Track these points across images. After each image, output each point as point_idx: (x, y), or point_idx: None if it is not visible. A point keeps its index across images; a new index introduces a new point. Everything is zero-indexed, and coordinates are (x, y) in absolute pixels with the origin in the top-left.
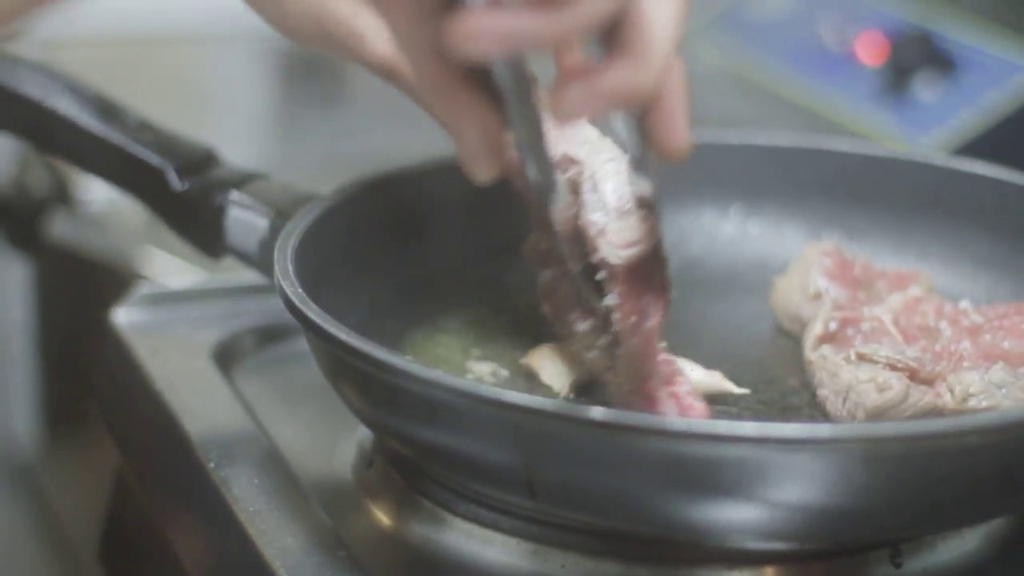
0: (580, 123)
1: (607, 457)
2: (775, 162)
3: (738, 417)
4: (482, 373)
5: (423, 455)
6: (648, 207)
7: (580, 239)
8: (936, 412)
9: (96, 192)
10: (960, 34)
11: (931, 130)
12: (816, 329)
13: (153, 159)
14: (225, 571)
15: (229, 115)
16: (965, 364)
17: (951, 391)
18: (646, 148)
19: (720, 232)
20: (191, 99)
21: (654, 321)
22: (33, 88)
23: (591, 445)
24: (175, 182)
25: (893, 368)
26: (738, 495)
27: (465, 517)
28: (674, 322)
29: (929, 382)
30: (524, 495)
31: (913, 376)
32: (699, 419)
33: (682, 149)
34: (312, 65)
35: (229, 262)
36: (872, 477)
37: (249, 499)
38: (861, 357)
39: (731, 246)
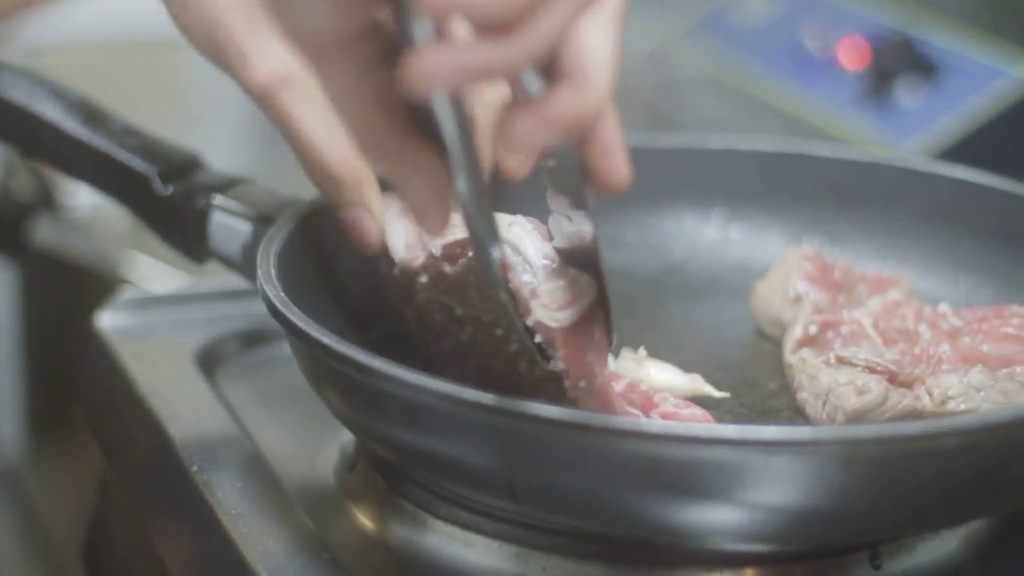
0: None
1: (588, 460)
2: (757, 167)
3: (718, 420)
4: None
5: (405, 458)
6: (588, 250)
7: (515, 300)
8: (915, 415)
9: (81, 197)
10: (942, 39)
11: (913, 135)
12: (796, 332)
13: (137, 164)
14: (208, 574)
15: (213, 120)
16: (944, 367)
17: (930, 394)
18: (585, 185)
19: (702, 236)
20: (175, 104)
21: (602, 378)
22: (17, 93)
23: (572, 448)
24: (159, 187)
25: (872, 371)
26: (718, 497)
27: (447, 520)
28: (655, 325)
29: (908, 385)
30: (506, 498)
31: (892, 379)
32: (678, 422)
33: (622, 182)
34: None
35: (213, 266)
36: (851, 479)
37: (232, 502)
38: (841, 360)
39: (713, 250)
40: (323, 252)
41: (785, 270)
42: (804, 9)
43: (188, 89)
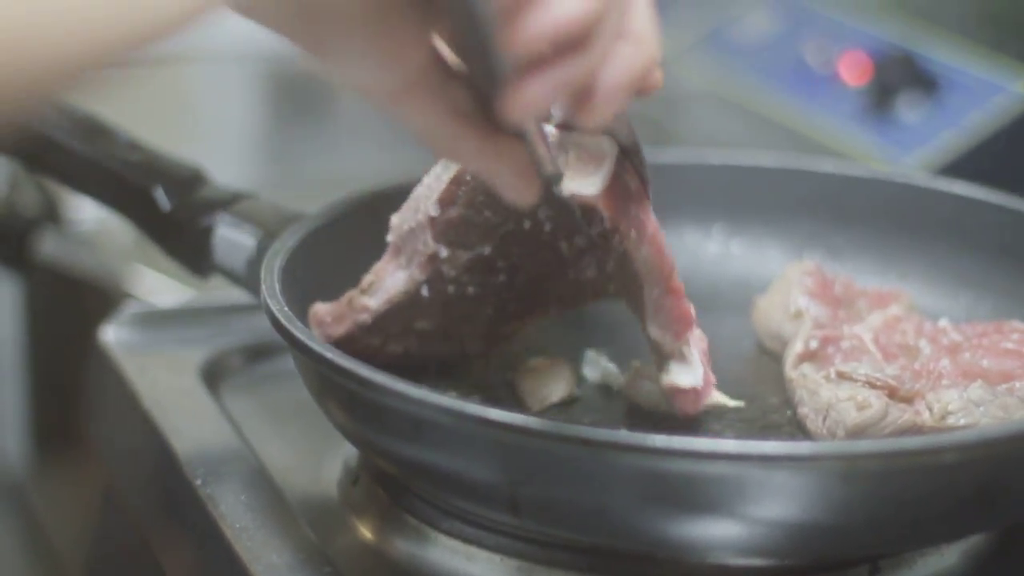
0: None
1: (589, 474)
2: (758, 182)
3: (719, 434)
4: (467, 389)
5: (408, 472)
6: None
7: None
8: (915, 430)
9: (86, 211)
10: (943, 55)
11: (914, 150)
12: (796, 347)
13: (141, 179)
14: None
15: (218, 135)
16: (944, 382)
17: (930, 409)
18: None
19: (703, 251)
20: (180, 119)
21: (651, 225)
22: None
23: (573, 462)
24: (163, 202)
25: (872, 386)
26: (719, 512)
27: (450, 534)
28: None
29: (908, 400)
30: (507, 512)
31: (892, 394)
32: (680, 437)
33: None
34: (301, 85)
35: (217, 281)
36: (851, 494)
37: (236, 516)
38: (841, 375)
39: (714, 265)
40: (326, 267)
41: (786, 285)
42: (806, 25)
43: (192, 104)
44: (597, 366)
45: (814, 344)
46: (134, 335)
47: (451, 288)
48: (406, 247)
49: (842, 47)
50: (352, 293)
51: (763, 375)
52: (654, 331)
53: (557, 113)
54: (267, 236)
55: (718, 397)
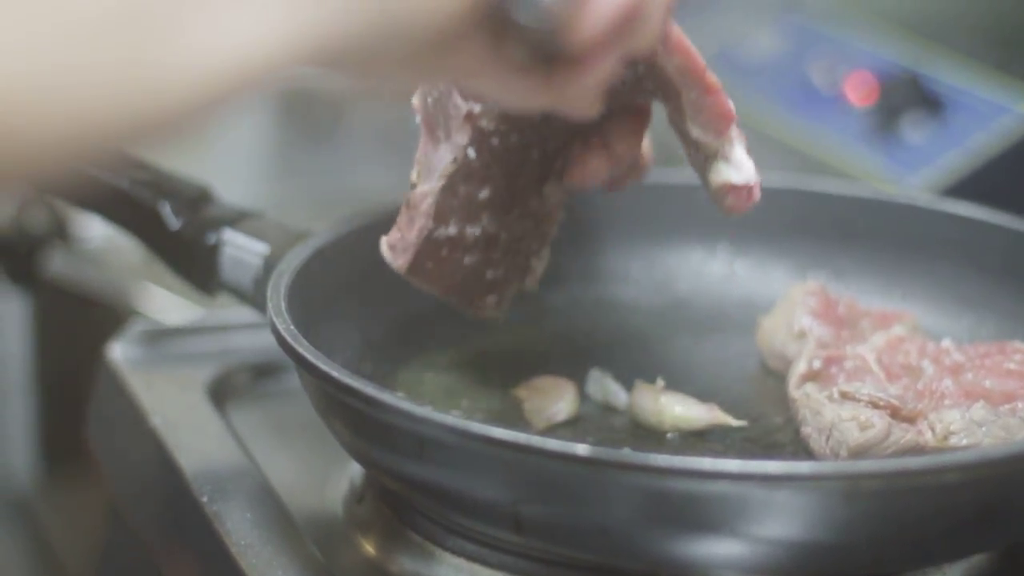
0: None
1: (592, 493)
2: (762, 202)
3: (723, 454)
4: (471, 408)
5: (412, 490)
6: None
7: None
8: (918, 450)
9: (94, 229)
10: (949, 76)
11: (919, 171)
12: (800, 367)
13: (148, 197)
14: None
15: (226, 153)
16: (946, 402)
17: (932, 429)
18: None
19: (708, 271)
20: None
21: (673, 31)
22: None
23: (576, 480)
24: (170, 220)
25: (875, 406)
26: (721, 531)
27: (454, 552)
28: (661, 359)
29: (911, 420)
30: (510, 530)
31: (895, 414)
32: (683, 456)
33: None
34: (308, 103)
35: (225, 299)
36: (853, 514)
37: (241, 533)
38: (844, 395)
39: (718, 285)
40: (333, 285)
41: (790, 305)
42: (812, 45)
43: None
44: (601, 385)
45: (817, 364)
46: (141, 352)
47: (495, 141)
48: (438, 119)
49: (848, 67)
50: (406, 193)
51: (767, 395)
52: (696, 132)
53: None
54: (274, 254)
55: (722, 417)
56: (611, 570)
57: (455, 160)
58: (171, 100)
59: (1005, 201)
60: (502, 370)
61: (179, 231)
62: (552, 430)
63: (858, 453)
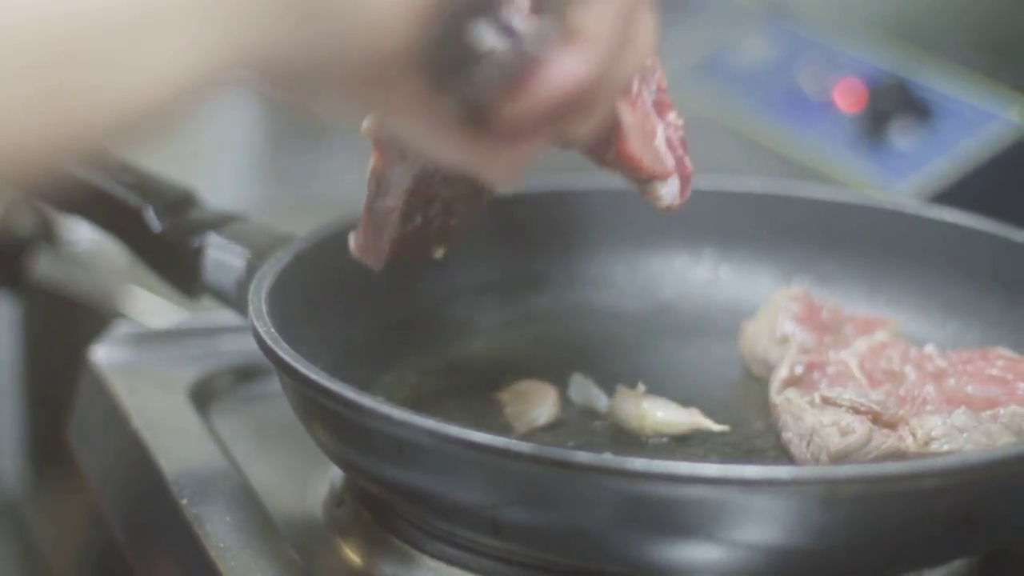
0: None
1: (571, 497)
2: (748, 208)
3: (703, 458)
4: (452, 412)
5: (392, 493)
6: None
7: None
8: (899, 455)
9: (80, 232)
10: (937, 82)
11: (907, 177)
12: (782, 372)
13: (132, 200)
14: None
15: (211, 156)
16: (928, 408)
17: (913, 435)
18: None
19: (692, 276)
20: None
21: None
22: None
23: (555, 485)
24: (153, 223)
25: (856, 412)
26: (700, 535)
27: (434, 555)
28: (644, 365)
29: (892, 426)
30: (489, 533)
31: (876, 420)
32: (661, 460)
33: None
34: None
35: (208, 302)
36: (831, 519)
37: (221, 536)
38: (825, 401)
39: (703, 290)
40: (315, 289)
41: (773, 311)
42: (801, 52)
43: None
44: (583, 390)
45: (799, 369)
46: (124, 355)
47: None
48: (392, 140)
49: (837, 74)
50: (366, 202)
51: (750, 400)
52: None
53: None
54: (256, 257)
55: (703, 422)
56: (590, 574)
57: (415, 177)
58: (100, 124)
59: (993, 208)
60: (484, 374)
61: (162, 234)
62: (533, 434)
63: (838, 458)
